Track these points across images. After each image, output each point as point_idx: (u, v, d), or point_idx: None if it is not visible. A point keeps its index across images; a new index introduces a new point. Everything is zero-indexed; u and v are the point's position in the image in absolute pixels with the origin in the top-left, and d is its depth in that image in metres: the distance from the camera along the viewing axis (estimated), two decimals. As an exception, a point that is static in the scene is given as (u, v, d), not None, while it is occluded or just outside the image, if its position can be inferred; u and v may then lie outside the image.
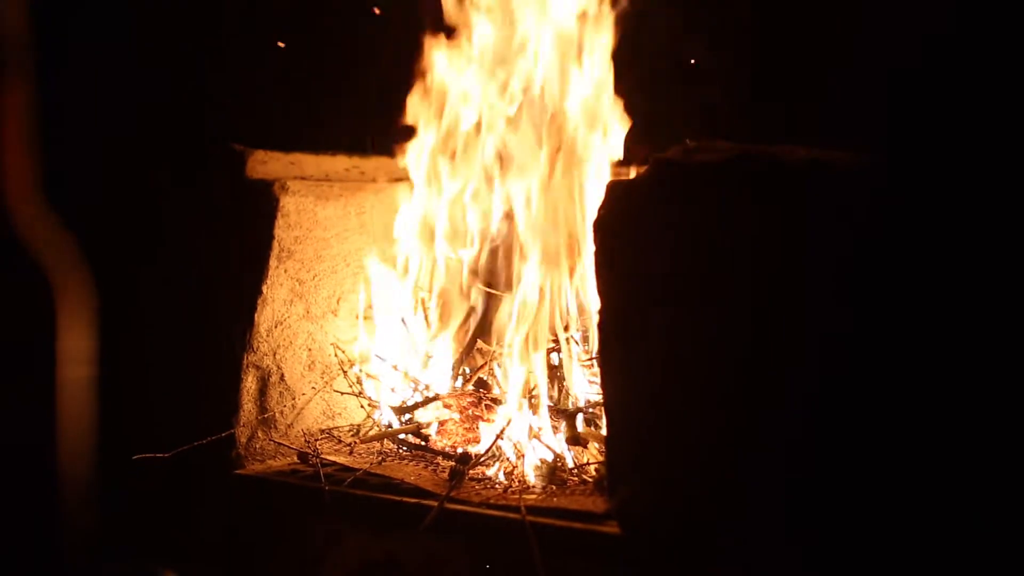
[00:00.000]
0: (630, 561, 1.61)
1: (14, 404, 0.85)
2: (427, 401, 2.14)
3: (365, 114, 2.27)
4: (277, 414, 2.15)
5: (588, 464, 1.93)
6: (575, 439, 1.96)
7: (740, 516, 1.54)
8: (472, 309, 2.26)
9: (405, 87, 2.22)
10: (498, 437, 1.96)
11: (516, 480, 1.89)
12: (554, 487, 1.86)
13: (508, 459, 1.98)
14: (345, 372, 2.24)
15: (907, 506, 1.46)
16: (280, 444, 2.12)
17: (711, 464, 1.57)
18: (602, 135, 2.11)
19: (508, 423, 1.98)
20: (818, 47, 2.14)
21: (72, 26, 2.15)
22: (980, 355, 1.43)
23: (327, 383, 2.24)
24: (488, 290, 2.24)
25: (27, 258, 0.82)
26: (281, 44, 2.24)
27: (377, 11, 2.30)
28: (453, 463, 1.94)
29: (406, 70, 2.21)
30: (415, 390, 2.22)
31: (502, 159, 2.19)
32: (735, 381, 1.55)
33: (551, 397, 2.09)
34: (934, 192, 1.48)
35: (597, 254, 1.69)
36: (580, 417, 2.02)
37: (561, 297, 2.13)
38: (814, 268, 1.51)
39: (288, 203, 2.17)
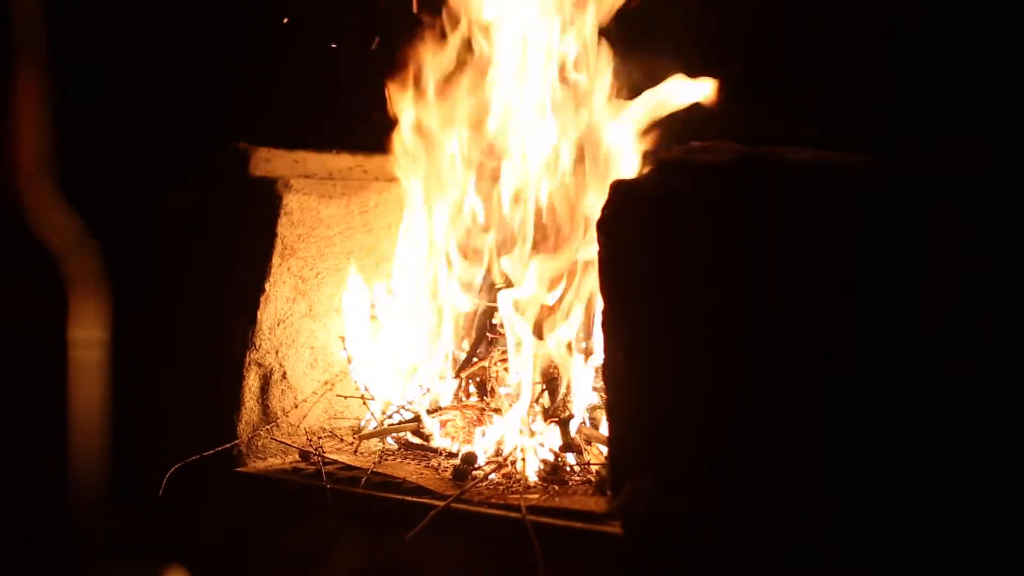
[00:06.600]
0: (632, 561, 1.61)
1: (23, 398, 0.84)
2: (426, 415, 2.13)
3: (369, 113, 2.26)
4: (279, 412, 2.15)
5: (590, 464, 1.93)
6: (568, 446, 1.95)
7: (743, 517, 1.54)
8: (475, 315, 2.25)
9: (408, 85, 2.22)
10: (505, 459, 1.94)
11: (517, 480, 1.89)
12: (556, 487, 1.86)
13: (509, 460, 1.97)
14: (353, 367, 2.23)
15: (914, 521, 1.46)
16: (282, 442, 2.12)
17: (713, 465, 1.57)
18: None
19: (522, 449, 1.96)
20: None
21: (75, 21, 2.15)
22: (987, 354, 1.43)
23: (332, 384, 2.24)
24: (487, 304, 2.23)
25: (37, 244, 0.82)
26: None
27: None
28: (456, 463, 1.94)
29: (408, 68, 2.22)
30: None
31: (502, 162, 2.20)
32: (737, 382, 1.55)
33: (550, 402, 2.08)
34: (937, 192, 1.49)
35: (600, 254, 1.69)
36: (576, 422, 2.00)
37: (564, 301, 2.13)
38: (817, 267, 1.51)
39: (291, 201, 2.17)
